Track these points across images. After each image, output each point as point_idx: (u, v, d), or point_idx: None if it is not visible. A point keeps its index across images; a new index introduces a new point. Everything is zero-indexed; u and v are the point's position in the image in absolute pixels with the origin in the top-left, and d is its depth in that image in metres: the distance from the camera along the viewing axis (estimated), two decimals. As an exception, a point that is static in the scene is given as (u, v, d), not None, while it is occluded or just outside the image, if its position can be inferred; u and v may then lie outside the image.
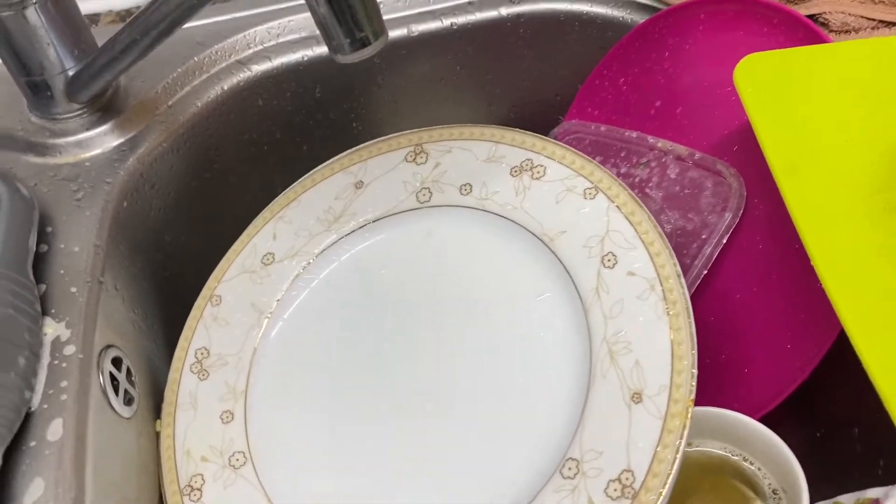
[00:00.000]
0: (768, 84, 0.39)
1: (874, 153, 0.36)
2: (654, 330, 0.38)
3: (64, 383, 0.39)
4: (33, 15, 0.46)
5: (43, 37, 0.47)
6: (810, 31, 0.44)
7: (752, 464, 0.43)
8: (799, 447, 0.41)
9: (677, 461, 0.35)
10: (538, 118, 0.62)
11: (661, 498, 0.34)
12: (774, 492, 0.42)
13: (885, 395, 0.32)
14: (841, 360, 0.41)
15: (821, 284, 0.41)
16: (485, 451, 0.40)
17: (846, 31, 0.47)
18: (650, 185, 0.50)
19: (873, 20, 0.47)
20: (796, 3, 0.49)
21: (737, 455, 0.43)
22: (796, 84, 0.39)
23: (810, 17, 0.48)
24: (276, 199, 0.51)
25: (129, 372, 0.44)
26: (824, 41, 0.43)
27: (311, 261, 0.49)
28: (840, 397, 0.45)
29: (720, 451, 0.44)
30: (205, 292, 0.49)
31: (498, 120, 0.63)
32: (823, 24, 0.48)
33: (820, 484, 0.40)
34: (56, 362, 0.40)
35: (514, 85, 0.61)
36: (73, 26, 0.48)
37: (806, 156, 0.37)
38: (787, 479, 0.41)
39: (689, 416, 0.35)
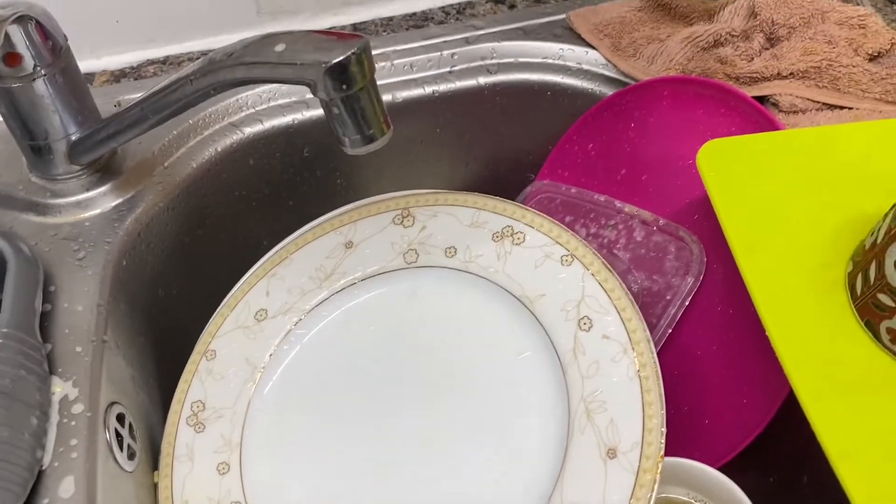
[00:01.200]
0: (727, 168, 0.44)
1: (824, 232, 0.41)
2: (627, 390, 0.42)
3: (73, 441, 0.41)
4: (41, 86, 0.48)
5: (49, 105, 0.49)
6: (763, 116, 0.49)
7: (713, 509, 0.47)
8: (754, 492, 0.45)
9: (649, 513, 0.38)
10: (512, 175, 0.66)
11: (635, 547, 0.38)
12: (733, 534, 0.46)
13: (829, 451, 0.36)
14: (791, 413, 0.46)
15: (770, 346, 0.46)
16: (475, 499, 0.43)
17: (794, 112, 0.52)
18: (618, 245, 0.54)
19: (818, 102, 0.52)
20: (749, 85, 0.54)
21: (699, 501, 0.47)
22: (753, 168, 0.44)
23: (762, 97, 0.53)
24: (268, 256, 0.54)
25: (130, 427, 0.46)
26: (776, 126, 0.48)
27: (303, 317, 0.52)
28: (791, 447, 0.50)
29: (684, 497, 0.47)
30: (199, 347, 0.52)
31: (475, 176, 0.67)
32: (774, 105, 0.53)
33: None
34: (65, 420, 0.42)
35: (490, 145, 0.65)
36: (77, 94, 0.50)
37: (763, 235, 0.42)
38: (744, 523, 0.45)
39: (659, 470, 0.39)
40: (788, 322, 0.39)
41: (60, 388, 0.44)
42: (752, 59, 0.55)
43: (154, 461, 0.49)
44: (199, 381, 0.50)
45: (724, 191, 0.43)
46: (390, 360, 0.50)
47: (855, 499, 0.34)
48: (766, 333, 0.40)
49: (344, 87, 0.37)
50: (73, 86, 0.50)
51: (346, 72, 0.37)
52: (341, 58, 0.36)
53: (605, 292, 0.45)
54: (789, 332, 0.39)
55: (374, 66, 0.39)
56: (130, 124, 0.45)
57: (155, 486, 0.48)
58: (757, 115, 0.49)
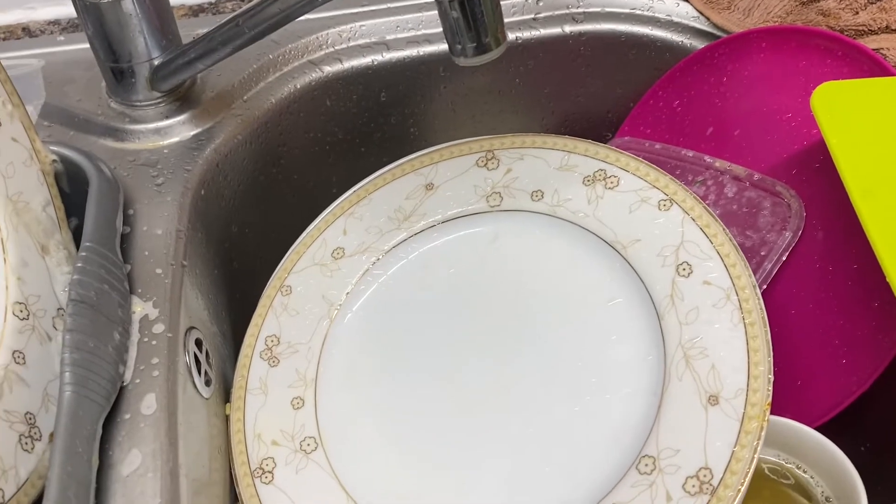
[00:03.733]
0: (843, 111, 0.42)
1: (945, 180, 0.39)
2: (731, 337, 0.40)
3: (155, 360, 0.40)
4: (129, 4, 0.47)
5: (135, 25, 0.48)
6: (876, 64, 0.47)
7: (805, 472, 0.45)
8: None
9: (754, 461, 0.36)
10: (588, 133, 0.64)
11: (740, 494, 0.36)
12: (828, 499, 0.43)
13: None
14: (890, 377, 0.44)
15: (877, 304, 0.44)
16: (557, 445, 0.42)
17: (902, 67, 0.50)
18: (707, 202, 0.52)
19: (928, 58, 0.50)
20: (855, 39, 0.51)
21: (790, 463, 0.45)
22: (869, 112, 0.41)
23: (868, 51, 0.51)
24: (346, 195, 0.53)
25: (207, 354, 0.45)
26: (891, 73, 0.45)
27: (381, 257, 0.51)
28: (887, 413, 0.48)
29: (774, 459, 0.45)
30: (275, 282, 0.51)
31: (549, 132, 0.65)
32: (883, 59, 0.50)
33: (867, 496, 0.42)
34: (146, 340, 0.41)
35: (569, 100, 0.63)
36: (162, 17, 0.50)
37: (880, 180, 0.39)
38: (842, 487, 0.42)
39: (767, 419, 0.37)
40: (910, 269, 0.37)
41: (141, 307, 0.43)
42: (858, 11, 0.53)
43: (226, 394, 0.48)
44: (275, 316, 0.49)
45: (840, 133, 0.41)
46: (470, 304, 0.48)
47: None
48: (887, 279, 0.38)
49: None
50: (160, 8, 0.49)
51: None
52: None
53: (707, 238, 0.43)
54: (912, 279, 0.37)
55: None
56: (222, 42, 0.44)
57: (227, 417, 0.47)
58: (869, 64, 0.47)
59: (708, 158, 0.54)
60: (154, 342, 0.41)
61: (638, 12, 0.59)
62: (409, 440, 0.45)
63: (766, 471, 0.45)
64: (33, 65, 0.55)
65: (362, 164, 0.60)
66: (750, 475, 0.36)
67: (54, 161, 0.44)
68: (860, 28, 0.52)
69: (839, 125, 0.41)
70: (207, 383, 0.44)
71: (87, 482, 0.35)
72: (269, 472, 0.44)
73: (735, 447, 0.37)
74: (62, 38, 0.57)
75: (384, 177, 0.53)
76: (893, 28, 0.51)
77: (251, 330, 0.49)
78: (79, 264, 0.40)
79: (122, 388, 0.39)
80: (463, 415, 0.44)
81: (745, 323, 0.40)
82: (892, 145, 0.41)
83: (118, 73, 0.50)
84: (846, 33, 0.52)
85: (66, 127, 0.52)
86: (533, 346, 0.46)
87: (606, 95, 0.63)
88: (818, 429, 0.45)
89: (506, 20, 0.59)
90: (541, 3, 0.59)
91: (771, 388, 0.38)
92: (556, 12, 0.59)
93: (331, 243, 0.51)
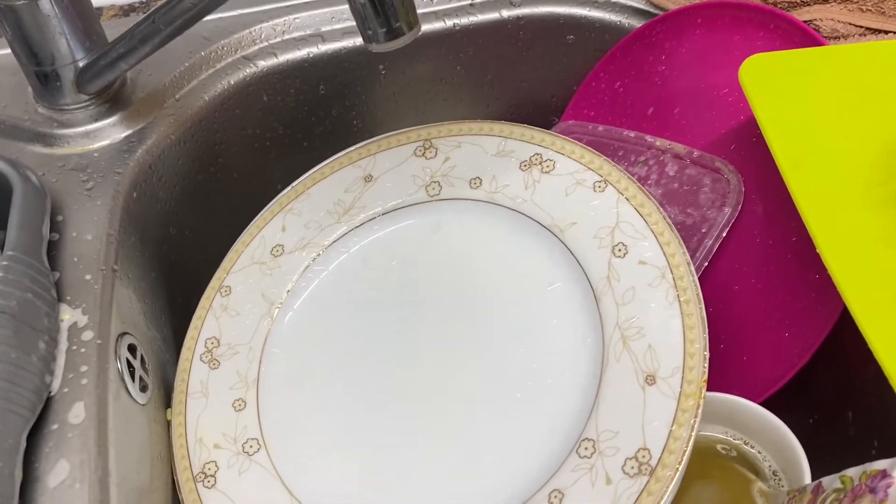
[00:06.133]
0: (772, 83, 0.41)
1: (873, 149, 0.38)
2: (666, 315, 0.39)
3: (84, 368, 0.39)
4: (47, 5, 0.46)
5: (55, 27, 0.47)
6: (807, 36, 0.47)
7: (752, 447, 0.44)
8: (794, 432, 0.43)
9: (692, 439, 0.36)
10: (534, 119, 0.63)
11: (678, 473, 0.36)
12: (775, 473, 0.43)
13: (888, 368, 0.34)
14: (833, 349, 0.44)
15: (817, 276, 0.44)
16: (499, 433, 0.41)
17: (836, 38, 0.50)
18: (649, 182, 0.52)
19: (861, 27, 0.50)
20: (789, 11, 0.51)
21: (737, 439, 0.45)
22: (798, 83, 0.41)
23: (802, 23, 0.51)
24: (285, 191, 0.52)
25: (142, 359, 0.44)
26: (822, 44, 0.45)
27: (321, 252, 0.50)
28: (832, 384, 0.48)
29: (721, 436, 0.45)
30: (214, 283, 0.50)
31: (495, 119, 0.64)
32: (815, 31, 0.50)
33: (815, 467, 0.42)
34: (74, 347, 0.40)
35: (512, 86, 0.63)
36: (84, 17, 0.48)
37: (809, 151, 0.39)
38: (788, 460, 0.42)
39: (703, 396, 0.37)
40: (841, 240, 0.37)
41: (69, 315, 0.42)
42: (791, -16, 0.53)
43: (167, 398, 0.47)
44: (214, 318, 0.48)
45: (769, 106, 0.40)
46: (413, 295, 0.48)
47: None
48: (811, 257, 0.37)
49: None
50: (81, 9, 0.48)
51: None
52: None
53: (642, 217, 0.43)
54: (842, 249, 0.37)
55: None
56: (141, 40, 0.43)
57: (168, 423, 0.46)
58: (800, 36, 0.47)
59: (649, 138, 0.53)
60: (83, 350, 0.40)
61: (575, -7, 0.59)
62: (353, 437, 0.44)
63: (715, 447, 0.45)
64: (-43, 72, 0.53)
65: (305, 159, 0.59)
66: (688, 454, 0.36)
67: (-25, 170, 0.43)
68: (794, 0, 0.51)
69: (767, 98, 0.41)
70: (143, 389, 0.44)
71: (8, 496, 0.34)
72: (212, 475, 0.44)
73: (672, 426, 0.37)
74: (-14, 43, 0.56)
75: (322, 171, 0.52)
76: (825, -1, 0.51)
77: (191, 333, 0.48)
78: (0, 274, 0.39)
79: (49, 398, 0.38)
80: (405, 408, 0.44)
81: (679, 301, 0.39)
82: (821, 116, 0.40)
83: (42, 76, 0.49)
84: (780, 5, 0.52)
85: (-7, 134, 0.51)
86: (475, 334, 0.45)
87: (549, 80, 0.62)
88: (766, 403, 0.45)
89: (443, 6, 0.59)
90: (477, -12, 0.59)
91: (707, 366, 0.38)
92: (494, -4, 0.59)
93: (270, 241, 0.50)
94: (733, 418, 0.44)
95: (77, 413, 0.38)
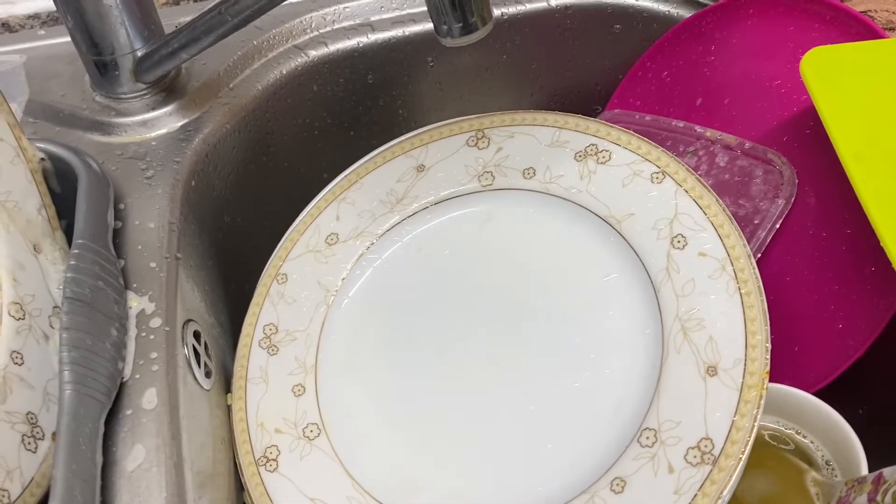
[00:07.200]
0: (833, 75, 0.41)
1: (937, 142, 0.39)
2: (727, 307, 0.40)
3: (154, 354, 0.40)
4: (109, -5, 0.47)
5: (116, 17, 0.48)
6: (865, 27, 0.46)
7: (805, 437, 0.45)
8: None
9: (755, 429, 0.37)
10: (577, 108, 0.64)
11: (741, 462, 0.36)
12: (828, 463, 0.44)
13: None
14: (885, 340, 0.44)
15: (873, 269, 0.44)
16: (558, 422, 0.42)
17: (891, 29, 0.50)
18: (699, 172, 0.52)
19: (916, 19, 0.50)
20: (843, 1, 0.51)
21: (790, 428, 0.45)
22: (861, 76, 0.41)
23: (856, 14, 0.50)
24: (337, 180, 0.52)
25: (206, 345, 0.45)
26: (879, 35, 0.45)
27: (375, 241, 0.50)
28: (884, 377, 0.48)
29: (773, 425, 0.46)
30: (270, 270, 0.50)
31: (538, 108, 0.65)
32: (871, 21, 0.50)
33: (867, 459, 0.42)
34: (143, 334, 0.41)
35: (557, 75, 0.63)
36: (143, 7, 0.49)
37: (871, 143, 0.39)
38: (842, 451, 0.43)
39: (765, 387, 0.37)
40: (904, 233, 0.37)
41: (137, 302, 0.43)
42: (845, -25, 0.52)
43: (226, 384, 0.48)
44: (271, 304, 0.49)
45: (831, 98, 0.40)
46: (466, 285, 0.48)
47: None
48: (868, 249, 0.38)
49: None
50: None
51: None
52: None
53: (701, 209, 0.43)
54: (905, 243, 0.37)
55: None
56: (205, 31, 0.43)
57: (229, 408, 0.47)
58: (858, 27, 0.47)
59: (699, 128, 0.53)
60: (152, 336, 0.41)
61: (623, -17, 0.59)
62: (412, 422, 0.45)
63: (767, 437, 0.46)
64: (15, 61, 0.54)
65: (352, 148, 0.59)
66: (750, 444, 0.37)
67: (42, 159, 0.44)
68: (847, -9, 0.51)
69: (829, 90, 0.41)
70: (207, 375, 0.44)
71: (91, 480, 0.35)
72: (274, 459, 0.44)
73: (735, 417, 0.37)
74: (43, 31, 0.57)
75: (374, 160, 0.52)
76: (881, -11, 0.51)
77: (249, 319, 0.49)
78: (72, 262, 0.40)
79: (122, 384, 0.39)
80: (464, 395, 0.45)
81: (741, 293, 0.40)
82: (882, 108, 0.40)
83: (101, 65, 0.50)
84: (833, -4, 0.52)
85: (52, 123, 0.51)
86: (531, 324, 0.46)
87: (595, 69, 0.62)
88: (816, 394, 0.46)
89: (491, -4, 0.59)
90: (525, -22, 0.59)
91: (769, 357, 0.38)
92: (542, -15, 0.59)
93: (324, 229, 0.51)
94: (787, 409, 0.45)
95: (150, 399, 0.39)
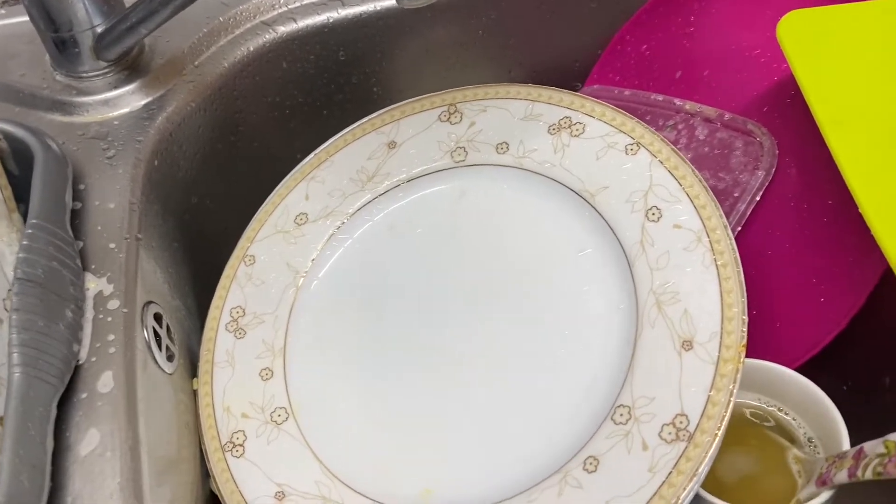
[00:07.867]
0: (810, 39, 0.40)
1: (918, 105, 0.37)
2: (703, 280, 0.39)
3: (111, 337, 0.39)
4: (64, -32, 0.45)
5: (72, -9, 0.46)
6: (845, -9, 0.45)
7: (787, 414, 0.44)
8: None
9: (731, 404, 0.36)
10: (557, 84, 0.62)
11: (717, 439, 0.35)
12: (810, 440, 0.43)
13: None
14: (867, 314, 0.43)
15: (854, 240, 0.43)
16: (531, 400, 0.41)
17: (872, -5, 0.48)
18: (678, 146, 0.51)
19: (899, -16, 0.48)
20: (823, -33, 0.50)
21: (772, 406, 0.44)
22: (838, 40, 0.40)
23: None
24: (307, 159, 0.51)
25: (168, 328, 0.44)
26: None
27: (346, 220, 0.49)
28: (869, 350, 0.47)
29: (754, 402, 0.45)
30: (237, 252, 0.49)
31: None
32: (851, -13, 0.49)
33: (849, 434, 0.41)
34: (101, 316, 0.40)
35: (535, 51, 0.61)
36: (102, -19, 0.47)
37: (850, 109, 0.38)
38: (824, 427, 0.42)
39: (742, 361, 0.36)
40: (883, 197, 0.36)
41: (94, 283, 0.41)
42: (825, -60, 0.51)
43: (192, 368, 0.47)
44: (239, 287, 0.48)
45: (808, 63, 0.39)
46: (439, 262, 0.47)
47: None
48: (859, 211, 0.36)
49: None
50: (98, -28, 0.47)
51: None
52: None
53: (676, 180, 0.42)
54: (884, 207, 0.36)
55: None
56: (161, 2, 0.42)
57: (195, 392, 0.46)
58: (837, -8, 0.45)
59: (678, 101, 0.52)
60: (110, 318, 0.40)
61: (600, -46, 0.57)
62: (382, 404, 0.44)
63: (748, 415, 0.44)
64: (-27, 41, 0.53)
65: (325, 126, 0.58)
66: (726, 419, 0.35)
67: (-3, 138, 0.42)
68: (828, -44, 0.50)
69: (806, 54, 0.40)
70: (170, 358, 0.43)
71: (41, 465, 0.33)
72: (240, 445, 0.43)
73: (711, 391, 0.36)
74: (2, 10, 0.55)
75: (345, 138, 0.51)
76: (862, -46, 0.49)
77: (215, 302, 0.48)
78: (25, 242, 0.39)
79: (77, 367, 0.38)
80: (435, 375, 0.43)
81: (717, 265, 0.39)
82: (861, 73, 0.39)
83: (60, 43, 0.48)
84: (813, -38, 0.50)
85: (11, 103, 0.50)
86: (505, 301, 0.44)
87: (573, 44, 0.61)
88: (799, 369, 0.44)
89: (465, -31, 0.57)
90: (500, -51, 0.57)
91: (745, 330, 0.37)
92: (517, -42, 0.57)
93: (293, 209, 0.50)
94: (768, 385, 0.44)
95: (106, 382, 0.37)
